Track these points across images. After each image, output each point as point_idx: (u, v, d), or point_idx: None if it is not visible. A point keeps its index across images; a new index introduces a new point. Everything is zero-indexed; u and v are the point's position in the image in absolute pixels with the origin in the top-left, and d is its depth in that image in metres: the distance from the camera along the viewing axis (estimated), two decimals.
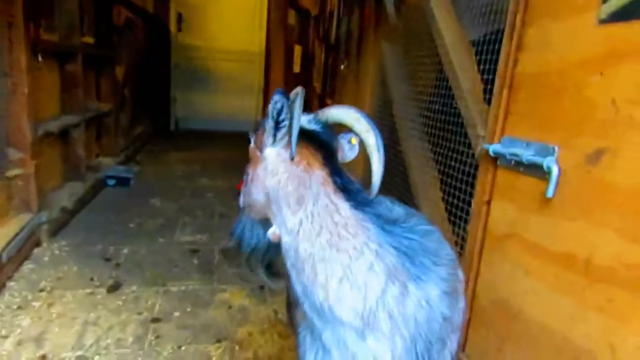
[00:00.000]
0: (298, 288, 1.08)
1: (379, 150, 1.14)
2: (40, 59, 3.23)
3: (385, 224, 1.05)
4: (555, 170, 1.45)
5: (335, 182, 1.05)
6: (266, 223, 1.21)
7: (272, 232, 1.13)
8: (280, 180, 1.07)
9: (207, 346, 2.23)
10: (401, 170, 2.89)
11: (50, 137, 3.58)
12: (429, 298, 1.03)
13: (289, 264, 1.09)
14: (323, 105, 5.98)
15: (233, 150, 6.89)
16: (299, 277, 1.05)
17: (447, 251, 1.17)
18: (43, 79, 3.51)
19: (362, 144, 1.23)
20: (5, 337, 2.17)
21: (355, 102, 3.98)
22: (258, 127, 1.16)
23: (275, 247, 1.21)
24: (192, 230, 3.75)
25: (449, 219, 2.28)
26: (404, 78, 3.04)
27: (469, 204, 2.10)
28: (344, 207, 1.02)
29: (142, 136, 7.21)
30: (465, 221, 2.09)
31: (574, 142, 1.43)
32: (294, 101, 1.07)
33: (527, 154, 1.58)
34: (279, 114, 1.04)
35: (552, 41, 1.58)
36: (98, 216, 3.94)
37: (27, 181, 3.07)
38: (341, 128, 1.22)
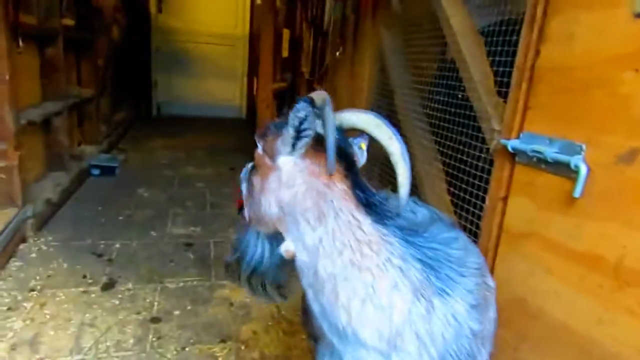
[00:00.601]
0: (316, 308, 1.02)
1: (404, 159, 1.08)
2: (20, 42, 3.03)
3: (408, 235, 1.00)
4: (583, 170, 1.41)
5: (357, 196, 0.99)
6: (276, 238, 1.13)
7: (286, 248, 1.05)
8: (297, 193, 1.00)
9: (212, 347, 2.16)
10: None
11: (33, 126, 3.40)
12: (456, 313, 0.99)
13: (305, 283, 1.03)
14: (311, 90, 5.88)
15: (217, 137, 6.76)
16: (317, 297, 0.99)
17: (474, 259, 1.12)
18: (23, 64, 3.30)
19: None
20: None
21: (350, 90, 3.89)
22: (266, 132, 1.09)
23: (284, 265, 1.14)
24: (184, 221, 3.64)
25: (455, 212, 2.25)
26: (405, 67, 2.96)
27: (477, 198, 2.07)
28: (366, 222, 0.96)
29: (123, 122, 6.97)
30: (477, 217, 2.05)
31: (604, 140, 1.38)
32: (321, 109, 0.99)
33: (550, 151, 1.53)
34: (301, 122, 0.96)
35: (578, 33, 1.52)
36: (84, 208, 3.80)
37: (11, 174, 2.91)
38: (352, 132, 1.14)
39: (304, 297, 1.70)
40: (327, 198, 0.98)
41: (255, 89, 7.77)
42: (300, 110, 0.95)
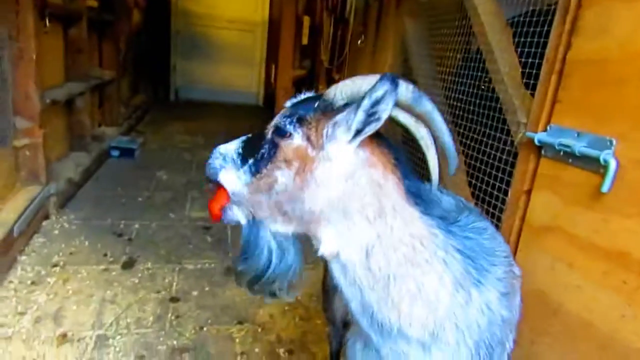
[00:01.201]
0: (355, 306, 0.97)
1: (445, 141, 1.01)
2: (47, 22, 3.07)
3: (448, 225, 0.98)
4: (613, 165, 1.39)
5: (407, 187, 0.93)
6: (296, 238, 1.03)
7: (329, 249, 0.94)
8: (356, 186, 0.90)
9: (229, 328, 2.20)
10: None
11: (56, 105, 3.45)
12: (489, 302, 0.99)
13: (345, 282, 0.96)
14: (330, 79, 5.85)
15: (234, 123, 6.79)
16: (363, 295, 0.94)
17: (502, 248, 1.13)
18: (48, 44, 3.34)
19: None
20: (22, 313, 2.12)
21: None
22: (302, 116, 0.95)
23: (302, 266, 1.05)
24: (202, 205, 3.68)
25: (476, 204, 2.24)
26: (428, 57, 2.93)
27: (499, 190, 2.06)
28: (416, 215, 0.93)
29: (142, 106, 7.03)
30: (499, 209, 2.04)
31: (635, 136, 1.36)
32: (418, 98, 0.91)
33: (579, 146, 1.51)
34: (375, 103, 0.85)
35: (614, 26, 1.49)
36: (104, 188, 3.86)
37: (35, 151, 2.96)
38: None
39: (323, 284, 1.72)
40: (386, 191, 0.91)
41: (273, 77, 7.75)
42: (378, 89, 0.83)
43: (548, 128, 1.70)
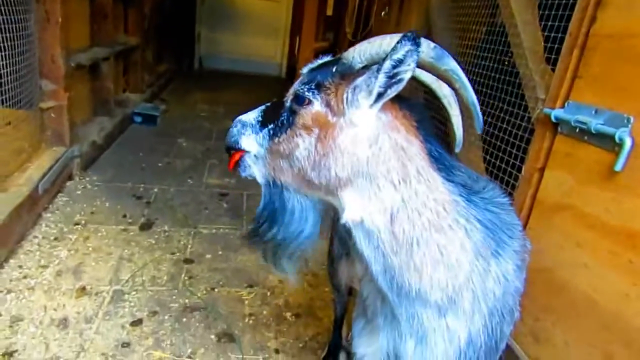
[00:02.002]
0: (377, 269, 0.97)
1: (469, 98, 0.98)
2: None
3: (470, 193, 0.97)
4: (628, 143, 1.36)
5: (429, 151, 0.91)
6: (317, 203, 1.02)
7: (352, 215, 0.93)
8: (381, 151, 0.89)
9: (239, 290, 2.27)
10: (441, 127, 2.79)
11: (82, 69, 3.52)
12: (507, 273, 1.00)
13: (369, 248, 0.96)
14: None
15: (256, 94, 6.80)
16: (385, 260, 0.94)
17: (518, 222, 1.13)
18: (74, 9, 3.39)
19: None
20: (45, 266, 2.23)
21: None
22: (321, 82, 0.93)
23: (317, 232, 1.04)
24: (220, 173, 3.74)
25: (492, 182, 2.22)
26: (452, 30, 2.86)
27: (513, 167, 2.03)
28: (440, 180, 0.91)
29: (166, 74, 7.09)
30: (511, 186, 2.02)
31: None
32: (441, 57, 0.89)
33: (595, 123, 1.48)
34: (397, 65, 0.82)
35: None
36: (126, 153, 3.96)
37: (60, 114, 3.05)
38: None
39: (329, 252, 1.75)
40: (410, 155, 0.90)
41: (297, 48, 7.68)
42: (400, 50, 0.80)
43: (566, 104, 1.66)
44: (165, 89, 6.73)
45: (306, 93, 0.93)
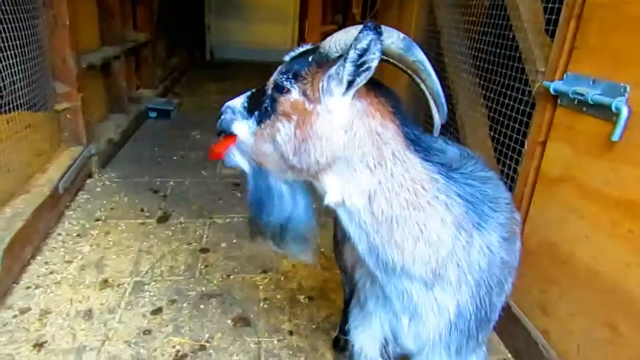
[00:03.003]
0: (362, 249, 1.02)
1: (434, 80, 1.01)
2: None
3: (449, 171, 1.00)
4: (624, 112, 1.35)
5: (406, 134, 0.95)
6: (304, 185, 1.06)
7: (334, 197, 0.97)
8: (355, 137, 0.93)
9: (254, 276, 2.34)
10: (448, 107, 2.77)
11: (93, 69, 3.61)
12: (490, 244, 1.03)
13: (352, 227, 1.01)
14: None
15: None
16: (369, 239, 0.99)
17: (505, 195, 1.14)
18: (82, 9, 3.46)
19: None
20: (70, 262, 2.34)
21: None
22: (298, 71, 0.96)
23: (310, 213, 1.08)
24: None
25: (497, 159, 2.21)
26: (453, 5, 2.82)
27: (520, 144, 2.03)
28: (417, 161, 0.95)
29: (179, 67, 7.19)
30: (515, 161, 2.02)
31: None
32: (409, 49, 0.92)
33: (593, 93, 1.47)
34: (362, 54, 0.86)
35: None
36: (142, 148, 4.06)
37: (75, 114, 3.15)
38: None
39: (334, 235, 1.79)
40: (385, 139, 0.93)
41: (306, 33, 7.64)
42: (362, 39, 0.84)
43: (565, 76, 1.65)
44: (178, 82, 6.83)
45: (284, 82, 0.97)
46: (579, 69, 1.60)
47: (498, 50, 2.23)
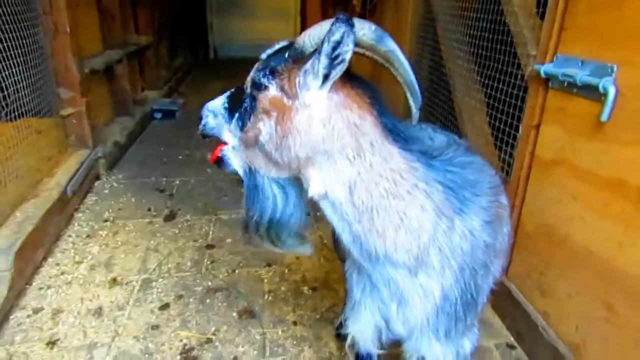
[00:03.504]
0: (346, 238, 1.04)
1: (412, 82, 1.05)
2: None
3: (429, 159, 1.02)
4: (612, 92, 1.35)
5: (384, 125, 0.97)
6: (292, 181, 1.07)
7: (317, 190, 0.99)
8: (334, 130, 0.94)
9: (259, 270, 2.38)
10: (445, 93, 2.78)
11: (97, 74, 3.67)
12: (472, 228, 1.05)
13: (335, 218, 1.03)
14: None
15: None
16: (351, 228, 1.01)
17: (488, 179, 1.16)
18: (83, 16, 3.52)
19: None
20: (80, 262, 2.41)
21: (395, 20, 3.77)
22: (274, 68, 0.98)
23: (301, 208, 1.09)
24: None
25: (495, 144, 2.22)
26: None
27: (517, 129, 2.03)
28: (395, 151, 0.97)
29: (183, 67, 7.24)
30: (512, 146, 2.02)
31: (636, 59, 1.31)
32: (381, 39, 0.94)
33: (581, 74, 1.47)
34: (336, 46, 0.87)
35: None
36: (148, 149, 4.13)
37: (80, 118, 3.21)
38: None
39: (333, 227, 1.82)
40: (363, 131, 0.95)
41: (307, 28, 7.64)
42: (335, 32, 0.85)
43: (555, 58, 1.65)
44: (183, 82, 6.89)
45: (262, 79, 0.98)
46: (568, 50, 1.60)
47: (492, 36, 2.23)
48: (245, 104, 1.03)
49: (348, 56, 0.88)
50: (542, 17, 1.83)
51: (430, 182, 0.98)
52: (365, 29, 0.94)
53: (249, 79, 1.04)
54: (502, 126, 2.09)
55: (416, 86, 1.05)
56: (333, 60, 0.88)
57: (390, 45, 0.98)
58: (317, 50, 0.91)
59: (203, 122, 1.13)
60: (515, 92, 2.00)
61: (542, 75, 1.66)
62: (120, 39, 4.35)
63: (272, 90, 0.98)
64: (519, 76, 1.98)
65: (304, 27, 8.72)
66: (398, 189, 0.95)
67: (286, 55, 0.98)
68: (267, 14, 9.15)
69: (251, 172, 1.07)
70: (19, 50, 2.49)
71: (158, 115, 5.02)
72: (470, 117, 2.47)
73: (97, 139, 3.43)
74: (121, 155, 3.89)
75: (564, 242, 1.64)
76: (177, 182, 3.43)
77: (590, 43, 1.50)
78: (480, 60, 2.36)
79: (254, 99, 1.01)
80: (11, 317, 1.98)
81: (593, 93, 1.44)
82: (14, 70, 2.42)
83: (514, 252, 1.95)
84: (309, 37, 0.93)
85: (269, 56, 1.04)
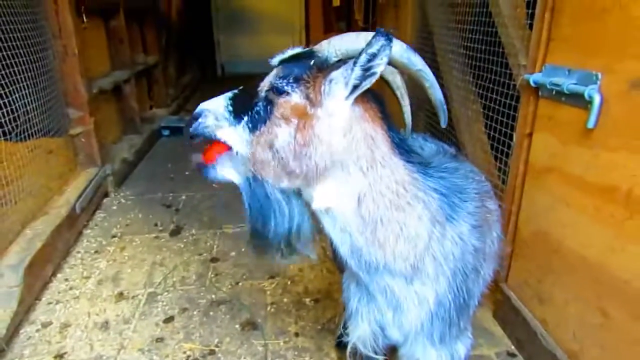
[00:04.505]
0: (344, 250, 1.06)
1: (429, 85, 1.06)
2: (84, 18, 3.34)
3: (426, 168, 1.06)
4: (597, 99, 1.38)
5: (392, 139, 1.00)
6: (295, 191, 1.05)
7: (324, 202, 1.00)
8: (354, 139, 0.96)
9: (262, 282, 2.42)
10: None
11: (105, 94, 3.78)
12: (461, 234, 1.08)
13: (336, 231, 1.04)
14: None
15: None
16: (352, 241, 1.02)
17: (474, 185, 1.19)
18: (91, 38, 3.64)
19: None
20: (88, 277, 2.47)
21: (395, 34, 3.82)
22: (299, 75, 0.96)
23: (308, 216, 1.08)
24: None
25: (495, 157, 2.24)
26: (444, 6, 2.86)
27: (505, 136, 2.06)
28: (401, 164, 1.00)
29: (191, 84, 7.39)
30: (507, 155, 2.05)
31: (618, 67, 1.34)
32: (414, 54, 0.97)
33: (568, 83, 1.50)
34: (371, 59, 0.89)
35: None
36: (156, 165, 4.21)
37: (89, 137, 3.30)
38: None
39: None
40: (377, 144, 0.97)
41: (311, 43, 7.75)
42: (374, 45, 0.87)
43: (543, 68, 1.69)
44: (191, 99, 7.01)
45: (285, 87, 0.97)
46: (556, 60, 1.63)
47: (486, 47, 2.26)
48: (258, 108, 1.00)
49: (380, 70, 0.90)
50: (532, 28, 1.87)
51: (428, 191, 1.02)
52: (398, 47, 0.97)
53: (266, 83, 1.02)
54: (497, 135, 2.12)
55: (444, 105, 1.10)
56: (365, 72, 0.90)
57: (422, 65, 1.02)
58: (341, 60, 0.94)
59: (200, 121, 1.05)
60: (509, 102, 2.03)
61: (532, 84, 1.69)
62: (128, 59, 4.47)
63: (295, 97, 0.96)
64: (512, 86, 2.01)
65: (308, 41, 8.85)
66: (400, 200, 0.99)
67: (311, 63, 0.97)
68: (272, 30, 9.31)
69: (255, 180, 1.02)
70: (30, 74, 2.59)
71: (166, 132, 5.12)
72: (468, 127, 2.50)
73: (105, 156, 3.53)
74: (130, 172, 3.97)
75: (559, 249, 1.65)
76: (184, 197, 3.50)
77: (576, 52, 1.53)
78: (476, 71, 2.39)
79: (271, 104, 0.98)
80: (21, 331, 2.04)
81: (580, 101, 1.47)
82: (24, 92, 2.52)
83: (513, 259, 1.96)
84: (333, 47, 0.96)
85: (284, 61, 1.03)
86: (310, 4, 5.49)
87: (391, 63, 0.99)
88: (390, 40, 0.87)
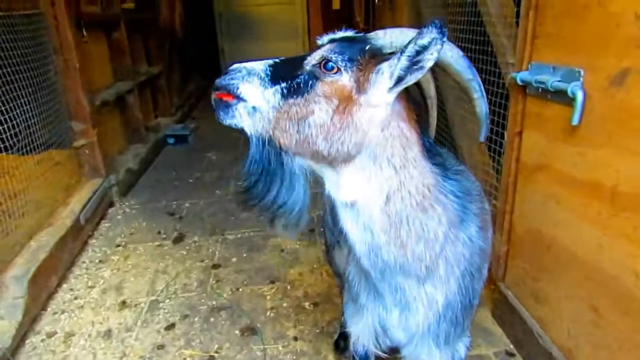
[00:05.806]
0: (361, 248, 1.04)
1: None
2: (84, 32, 3.41)
3: (446, 170, 1.06)
4: (580, 96, 1.38)
5: (423, 142, 1.00)
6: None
7: (352, 195, 0.98)
8: (391, 135, 0.95)
9: (262, 287, 2.44)
10: (439, 104, 2.80)
11: (108, 105, 3.84)
12: (471, 235, 1.10)
13: (356, 226, 1.01)
14: None
15: None
16: (373, 238, 1.01)
17: (475, 186, 1.21)
18: (93, 51, 3.71)
19: None
20: (92, 287, 2.51)
21: None
22: (353, 56, 0.92)
23: (305, 201, 1.02)
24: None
25: (492, 158, 2.23)
26: (436, 6, 2.87)
27: (497, 135, 2.06)
28: (429, 167, 1.00)
29: (195, 92, 7.46)
30: (498, 153, 2.04)
31: (599, 63, 1.34)
32: (463, 57, 0.96)
33: (552, 80, 1.50)
34: (421, 51, 0.85)
35: None
36: (161, 174, 4.27)
37: (93, 149, 3.36)
38: None
39: (325, 241, 1.87)
40: (410, 144, 0.97)
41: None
42: (425, 36, 0.83)
43: (529, 66, 1.68)
44: (196, 107, 7.08)
45: (339, 62, 0.92)
46: (541, 57, 1.63)
47: (478, 47, 2.26)
48: (300, 80, 0.94)
49: (429, 65, 0.86)
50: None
51: (447, 194, 1.03)
52: (455, 52, 0.97)
53: (316, 56, 0.96)
54: (493, 136, 2.11)
55: (488, 120, 1.11)
56: (412, 65, 0.87)
57: (475, 76, 1.02)
58: (394, 53, 0.90)
59: (231, 75, 0.99)
60: (502, 101, 2.03)
61: (519, 82, 1.69)
62: (131, 70, 4.53)
63: (345, 78, 0.92)
64: (503, 85, 2.00)
65: (311, 44, 8.88)
66: (424, 201, 0.99)
67: (367, 47, 0.94)
68: (276, 35, 9.35)
69: (271, 144, 0.96)
70: (31, 89, 2.65)
71: (171, 141, 5.18)
72: (463, 127, 2.50)
73: (110, 167, 3.58)
74: (135, 181, 4.03)
75: (551, 247, 1.65)
76: (187, 204, 3.54)
77: (559, 50, 1.53)
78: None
79: (315, 79, 0.93)
80: (27, 341, 2.09)
81: (564, 98, 1.46)
82: (25, 108, 2.57)
83: (509, 258, 1.96)
84: (391, 38, 0.95)
85: (334, 40, 0.98)
86: (311, 7, 5.51)
87: (442, 65, 0.98)
88: (443, 35, 0.82)
